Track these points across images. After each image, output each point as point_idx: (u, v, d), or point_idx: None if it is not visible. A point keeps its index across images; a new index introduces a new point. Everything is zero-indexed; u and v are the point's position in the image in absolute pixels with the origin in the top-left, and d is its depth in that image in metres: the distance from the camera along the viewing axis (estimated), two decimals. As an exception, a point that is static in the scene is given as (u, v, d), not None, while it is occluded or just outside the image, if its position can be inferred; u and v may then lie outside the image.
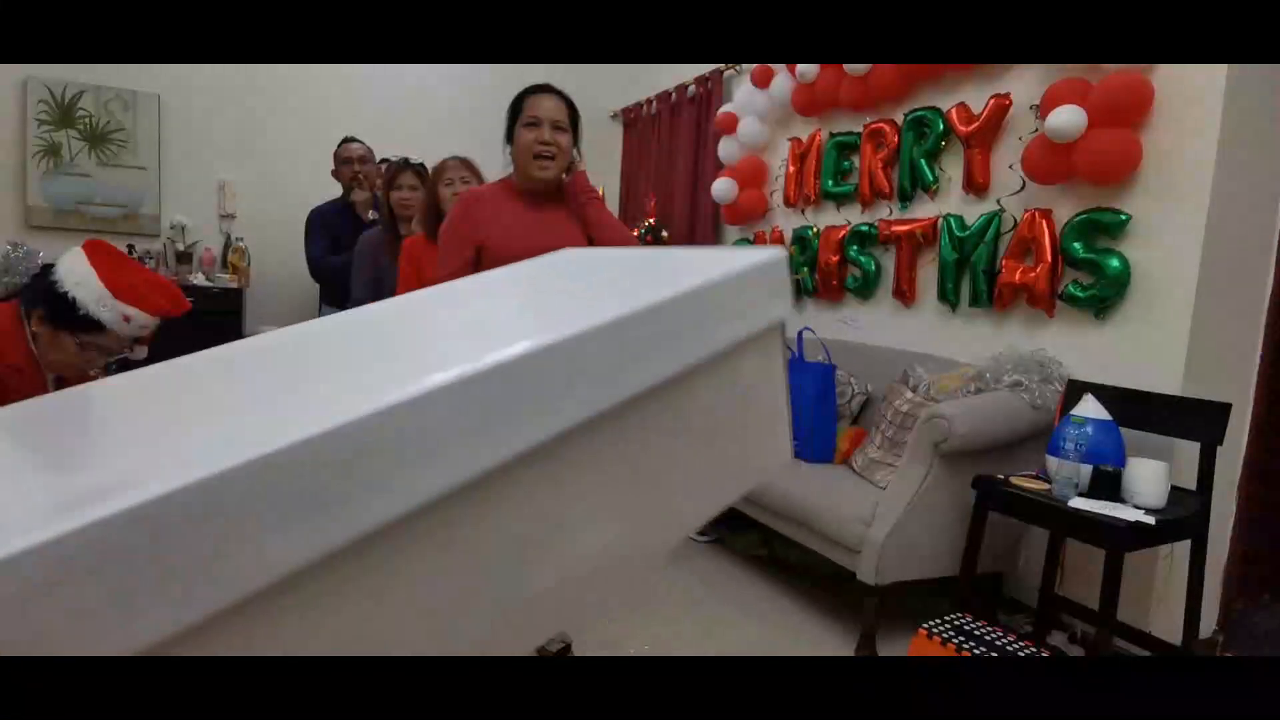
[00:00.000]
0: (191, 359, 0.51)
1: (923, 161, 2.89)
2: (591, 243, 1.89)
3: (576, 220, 1.91)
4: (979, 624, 1.82)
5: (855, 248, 3.19)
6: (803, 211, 3.51)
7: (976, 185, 2.70)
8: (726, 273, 0.46)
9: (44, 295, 1.48)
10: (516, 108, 1.84)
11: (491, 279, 0.60)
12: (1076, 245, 2.33)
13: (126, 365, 1.74)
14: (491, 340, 0.38)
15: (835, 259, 3.26)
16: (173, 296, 1.60)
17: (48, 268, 1.53)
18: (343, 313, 0.55)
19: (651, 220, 4.20)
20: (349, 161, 3.19)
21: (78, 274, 1.47)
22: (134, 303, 1.49)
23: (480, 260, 1.82)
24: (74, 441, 0.40)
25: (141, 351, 1.68)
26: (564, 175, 1.87)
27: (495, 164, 2.10)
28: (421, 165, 2.74)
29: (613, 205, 4.94)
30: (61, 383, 1.64)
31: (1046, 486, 1.93)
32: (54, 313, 1.47)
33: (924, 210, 2.93)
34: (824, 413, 2.72)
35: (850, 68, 3.04)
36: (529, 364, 0.36)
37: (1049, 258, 2.41)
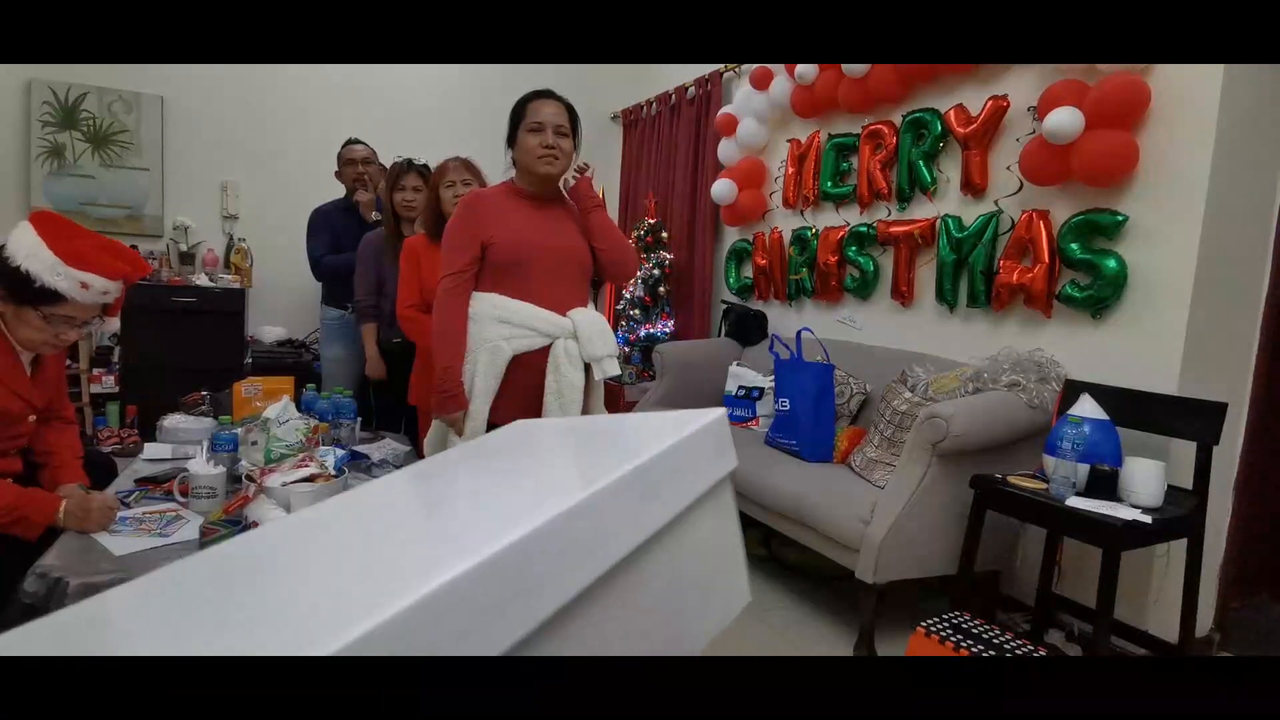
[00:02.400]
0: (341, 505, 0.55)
1: (921, 163, 2.90)
2: (590, 248, 1.94)
3: (576, 220, 1.94)
4: (977, 622, 1.83)
5: (854, 248, 3.20)
6: (802, 212, 3.52)
7: (974, 186, 2.71)
8: (677, 439, 0.49)
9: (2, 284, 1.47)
10: (519, 113, 1.87)
11: (451, 460, 0.61)
12: (1074, 246, 2.34)
13: (105, 357, 1.76)
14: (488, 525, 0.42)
15: (834, 259, 3.27)
16: (130, 259, 1.59)
17: None
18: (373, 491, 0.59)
19: (651, 220, 4.22)
20: (353, 163, 3.20)
21: (27, 246, 1.45)
22: (88, 268, 1.48)
23: (485, 257, 1.85)
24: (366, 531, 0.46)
25: (113, 324, 1.66)
26: (572, 177, 1.90)
27: (497, 164, 2.12)
28: (425, 166, 2.75)
29: (613, 206, 4.95)
30: (38, 361, 1.64)
31: (1044, 485, 1.94)
32: (11, 289, 1.46)
33: (922, 211, 2.94)
34: (823, 412, 2.73)
35: (849, 69, 3.06)
36: (529, 545, 0.39)
37: (1046, 258, 2.42)
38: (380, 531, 0.47)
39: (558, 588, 0.38)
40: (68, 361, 2.26)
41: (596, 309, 1.98)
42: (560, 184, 1.93)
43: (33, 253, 1.44)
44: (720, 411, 0.53)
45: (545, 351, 1.85)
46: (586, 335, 1.85)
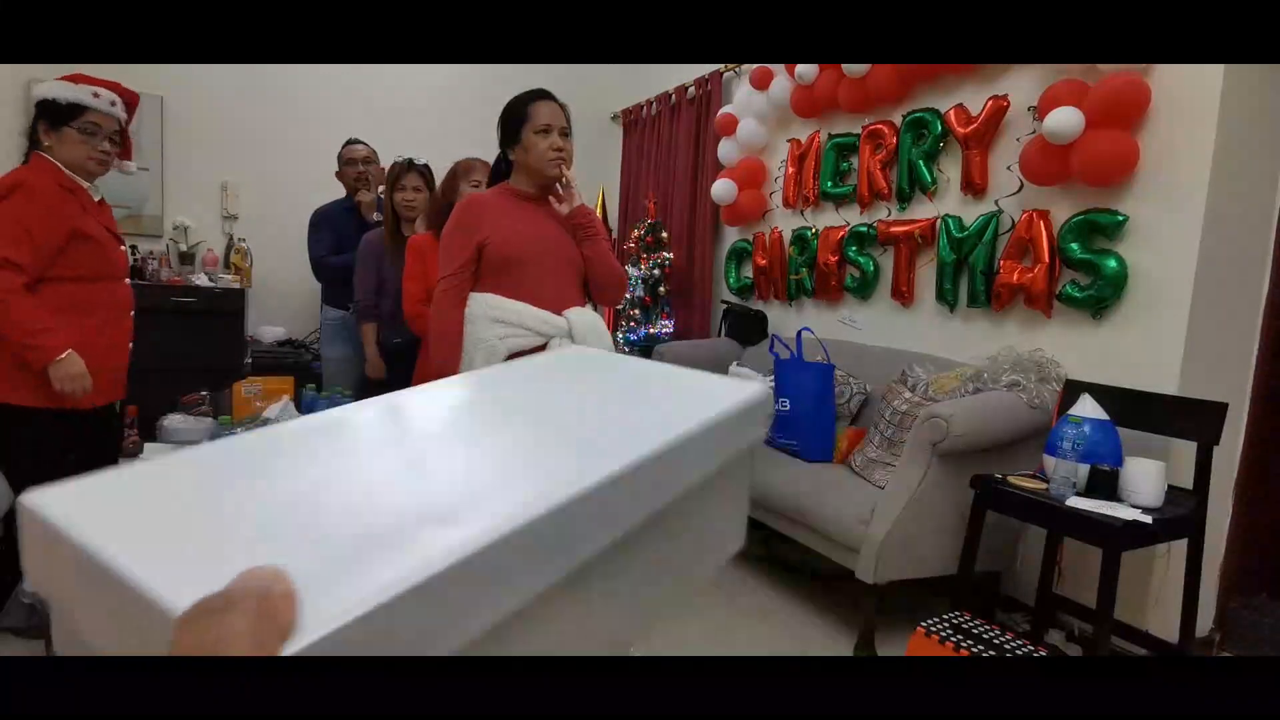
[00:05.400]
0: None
1: (921, 163, 2.90)
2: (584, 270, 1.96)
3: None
4: (977, 622, 1.83)
5: (854, 248, 3.20)
6: (802, 212, 3.52)
7: (974, 186, 2.71)
8: (729, 406, 0.50)
9: (35, 115, 1.98)
10: (520, 114, 1.87)
11: (509, 377, 0.59)
12: (1074, 246, 2.34)
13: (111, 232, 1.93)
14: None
15: (834, 259, 3.27)
16: (116, 85, 2.06)
17: None
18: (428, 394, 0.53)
19: (651, 221, 4.22)
20: (353, 162, 3.20)
21: (46, 86, 1.99)
22: (90, 83, 1.99)
23: (481, 258, 1.85)
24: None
25: (130, 166, 2.16)
26: (564, 181, 1.90)
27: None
28: (425, 166, 2.75)
29: (613, 206, 4.95)
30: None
31: (1044, 486, 1.94)
32: (48, 116, 1.95)
33: (922, 211, 2.94)
34: (823, 412, 2.73)
35: (849, 69, 3.06)
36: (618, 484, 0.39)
37: (1047, 258, 2.42)
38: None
39: (604, 532, 0.38)
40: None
41: (594, 309, 1.99)
42: (559, 184, 1.94)
43: (48, 87, 1.99)
44: (765, 388, 0.55)
45: (540, 350, 1.86)
46: (582, 334, 1.86)
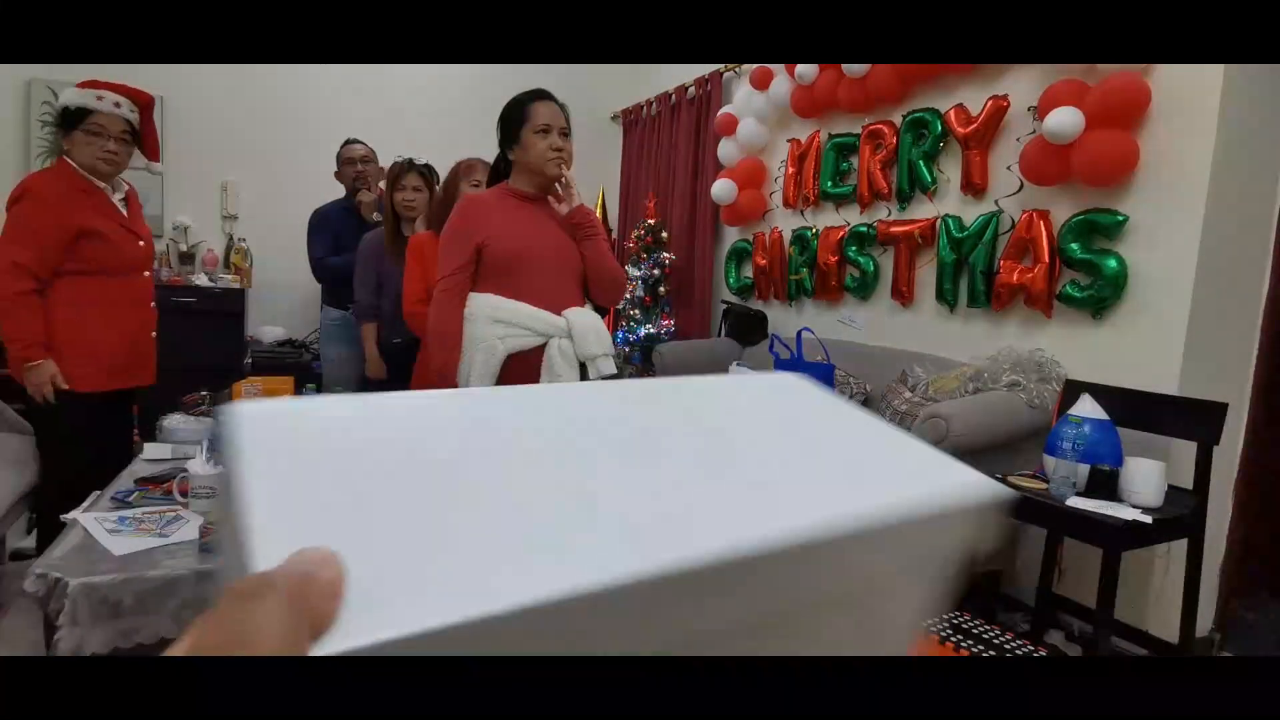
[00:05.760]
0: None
1: (921, 163, 2.90)
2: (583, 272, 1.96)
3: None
4: (977, 622, 1.83)
5: (854, 248, 3.20)
6: (802, 212, 3.52)
7: (974, 186, 2.71)
8: (955, 498, 0.40)
9: (56, 123, 2.13)
10: (519, 115, 1.87)
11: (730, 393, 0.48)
12: (1074, 246, 2.34)
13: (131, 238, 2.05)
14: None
15: (834, 259, 3.27)
16: (125, 87, 2.17)
17: None
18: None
19: (651, 221, 4.22)
20: (351, 161, 3.20)
21: (61, 96, 2.12)
22: (96, 87, 2.10)
23: (481, 258, 1.85)
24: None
25: (157, 166, 2.41)
26: (563, 181, 1.90)
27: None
28: (426, 166, 2.75)
29: (613, 206, 4.95)
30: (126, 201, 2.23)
31: (1044, 486, 1.94)
32: (61, 122, 2.10)
33: (922, 211, 2.94)
34: (823, 413, 2.73)
35: (849, 69, 3.06)
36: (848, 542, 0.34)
37: (1047, 258, 2.42)
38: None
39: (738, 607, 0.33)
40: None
41: (594, 309, 1.99)
42: (558, 184, 1.93)
43: (65, 94, 2.10)
44: (999, 489, 0.40)
45: (540, 350, 1.85)
46: (581, 334, 1.85)
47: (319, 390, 2.64)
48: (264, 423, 0.31)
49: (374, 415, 0.35)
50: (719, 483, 0.36)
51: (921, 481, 0.41)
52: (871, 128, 3.11)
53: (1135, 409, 2.06)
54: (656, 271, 4.11)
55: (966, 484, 0.40)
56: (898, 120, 3.01)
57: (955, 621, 1.83)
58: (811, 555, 0.33)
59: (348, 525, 0.27)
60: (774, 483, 0.37)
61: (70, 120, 2.07)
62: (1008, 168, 2.60)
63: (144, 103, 2.23)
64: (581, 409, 0.42)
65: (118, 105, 2.12)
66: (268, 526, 0.25)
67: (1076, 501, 1.83)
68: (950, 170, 2.84)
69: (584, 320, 1.88)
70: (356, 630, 0.22)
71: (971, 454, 2.15)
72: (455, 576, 0.26)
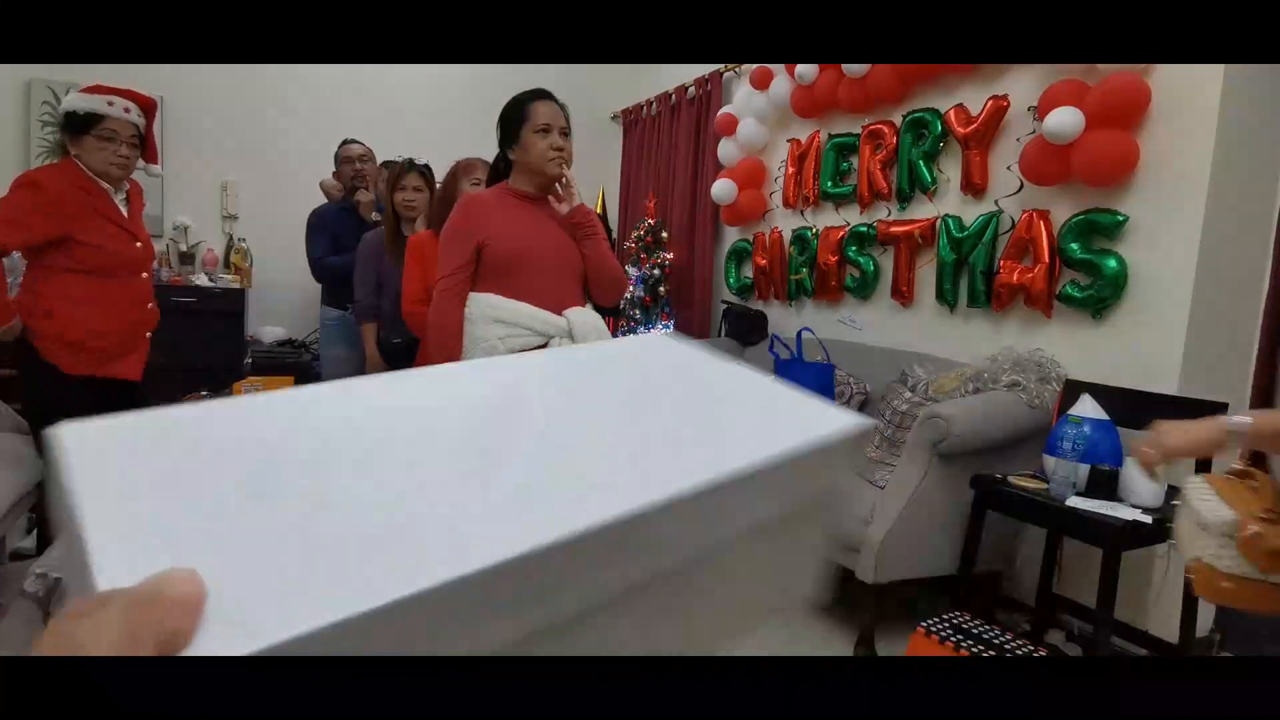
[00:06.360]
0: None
1: (921, 163, 2.90)
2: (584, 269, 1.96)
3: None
4: (977, 622, 1.83)
5: (854, 248, 3.20)
6: (802, 212, 3.52)
7: (974, 186, 2.71)
8: (819, 435, 0.42)
9: (61, 126, 2.14)
10: (519, 115, 1.87)
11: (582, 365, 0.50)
12: (1074, 246, 2.34)
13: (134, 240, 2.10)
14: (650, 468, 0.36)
15: (834, 259, 3.27)
16: (132, 92, 2.19)
17: None
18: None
19: (651, 221, 4.22)
20: (349, 161, 3.20)
21: (66, 100, 2.14)
22: (103, 92, 2.12)
23: (481, 258, 1.85)
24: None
25: (155, 169, 2.43)
26: (563, 181, 1.90)
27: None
28: (426, 166, 2.75)
29: (613, 206, 4.95)
30: (128, 202, 2.25)
31: (1044, 486, 1.94)
32: (69, 127, 2.10)
33: (922, 211, 2.94)
34: (823, 413, 2.73)
35: (849, 69, 3.06)
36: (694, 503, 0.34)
37: (1047, 258, 2.42)
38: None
39: (632, 566, 0.33)
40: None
41: (594, 309, 1.99)
42: (558, 184, 1.93)
43: (72, 99, 2.12)
44: (862, 420, 0.44)
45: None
46: (582, 334, 1.85)
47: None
48: (93, 443, 0.31)
49: (221, 419, 0.35)
50: (592, 451, 0.36)
51: (788, 423, 0.42)
52: (871, 128, 3.11)
53: (1135, 409, 2.06)
54: (656, 271, 4.11)
55: (830, 420, 0.43)
56: (898, 120, 3.01)
57: (955, 621, 1.83)
58: (684, 512, 0.34)
59: (196, 538, 0.27)
60: (650, 445, 0.38)
61: (80, 125, 2.09)
62: (1008, 168, 2.60)
63: (148, 106, 2.26)
64: (449, 388, 0.42)
65: (128, 110, 2.16)
66: (106, 548, 0.25)
67: (1076, 501, 1.83)
68: (950, 170, 2.84)
69: (585, 320, 1.88)
70: (219, 645, 0.22)
71: (972, 454, 2.15)
72: (317, 579, 0.26)
